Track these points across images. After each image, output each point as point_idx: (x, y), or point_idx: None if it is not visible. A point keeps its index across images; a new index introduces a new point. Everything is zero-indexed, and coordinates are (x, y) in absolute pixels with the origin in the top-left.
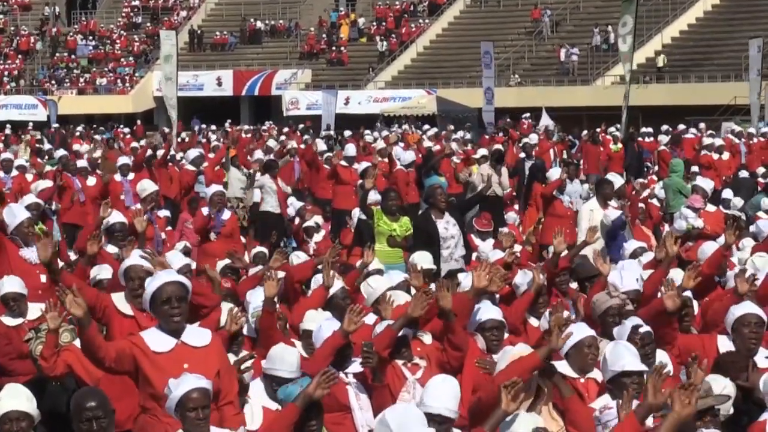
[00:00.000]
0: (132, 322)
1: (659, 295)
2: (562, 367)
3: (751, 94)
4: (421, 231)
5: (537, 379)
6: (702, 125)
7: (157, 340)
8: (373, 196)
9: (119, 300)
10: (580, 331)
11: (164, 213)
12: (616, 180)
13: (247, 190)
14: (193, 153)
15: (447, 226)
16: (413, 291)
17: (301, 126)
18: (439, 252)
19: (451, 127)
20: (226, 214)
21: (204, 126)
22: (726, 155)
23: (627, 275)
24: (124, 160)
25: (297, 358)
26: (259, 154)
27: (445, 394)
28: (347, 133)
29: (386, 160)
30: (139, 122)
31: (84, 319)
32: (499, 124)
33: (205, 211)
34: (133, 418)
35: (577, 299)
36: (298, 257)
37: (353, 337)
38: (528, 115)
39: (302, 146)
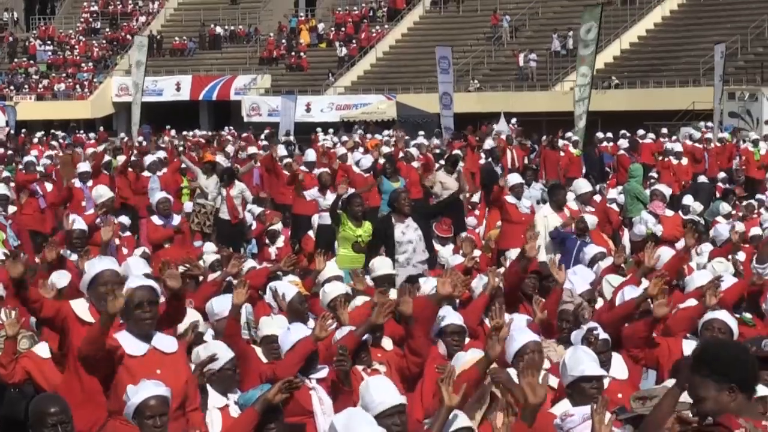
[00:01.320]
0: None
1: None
2: (512, 376)
3: (715, 99)
4: (380, 235)
5: (490, 386)
6: (664, 130)
7: (130, 343)
8: (324, 202)
9: (78, 306)
10: (521, 337)
11: (121, 219)
12: (584, 185)
13: (217, 196)
14: (149, 159)
15: (405, 231)
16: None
17: (266, 131)
18: (393, 257)
19: (422, 132)
20: (176, 220)
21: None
22: (685, 160)
23: (578, 280)
24: (84, 166)
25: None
26: (219, 159)
27: (389, 387)
28: (322, 137)
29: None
30: (102, 129)
31: (112, 318)
32: (483, 129)
33: (155, 219)
34: (95, 425)
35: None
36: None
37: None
38: (514, 120)
39: (262, 152)
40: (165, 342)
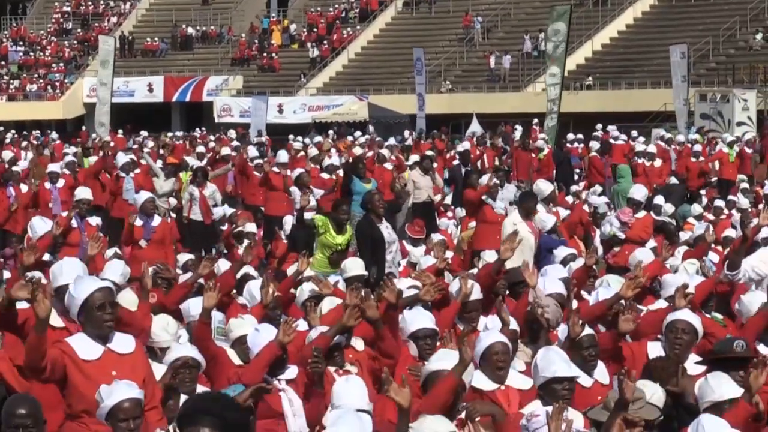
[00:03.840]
0: (65, 334)
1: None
2: (479, 379)
3: (676, 100)
4: (366, 238)
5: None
6: (634, 133)
7: (84, 347)
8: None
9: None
10: (487, 338)
11: (95, 220)
12: (547, 187)
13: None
14: (121, 159)
15: (389, 231)
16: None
17: (231, 132)
18: (384, 258)
19: (414, 133)
20: (156, 221)
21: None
22: (658, 162)
23: (549, 280)
24: (53, 167)
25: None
26: (191, 161)
27: (359, 389)
28: (314, 138)
29: (317, 166)
30: (84, 128)
31: (44, 322)
32: (508, 129)
33: (137, 220)
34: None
35: (499, 307)
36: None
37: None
38: (536, 121)
39: (233, 153)
40: (121, 342)
